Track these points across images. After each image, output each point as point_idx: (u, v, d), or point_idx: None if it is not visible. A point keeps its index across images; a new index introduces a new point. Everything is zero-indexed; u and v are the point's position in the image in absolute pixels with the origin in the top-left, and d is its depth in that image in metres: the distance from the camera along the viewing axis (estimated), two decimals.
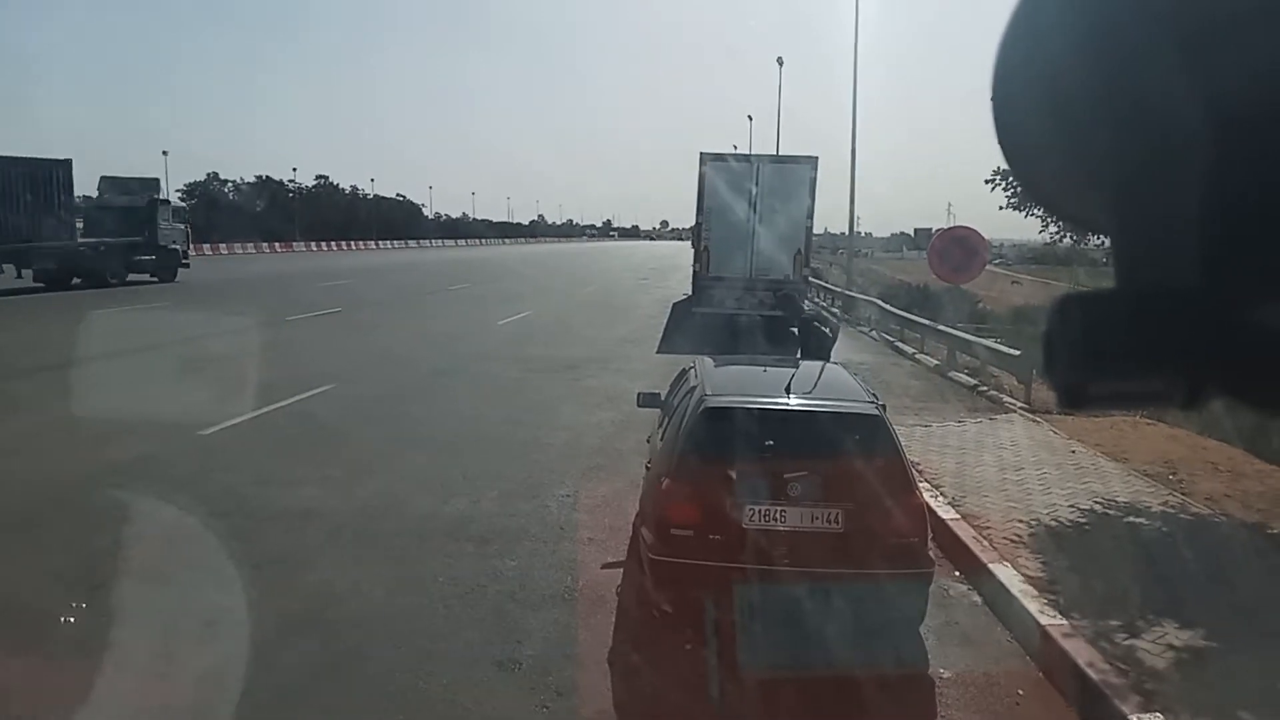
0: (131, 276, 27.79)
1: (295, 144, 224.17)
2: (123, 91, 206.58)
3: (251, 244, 61.35)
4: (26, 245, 24.84)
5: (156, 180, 34.09)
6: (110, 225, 27.67)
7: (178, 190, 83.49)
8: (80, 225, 28.13)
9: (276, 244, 65.12)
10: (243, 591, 5.12)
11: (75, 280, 25.82)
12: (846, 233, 33.75)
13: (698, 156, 18.33)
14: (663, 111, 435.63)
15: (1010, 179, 10.96)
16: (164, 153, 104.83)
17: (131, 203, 29.15)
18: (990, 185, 11.69)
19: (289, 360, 13.44)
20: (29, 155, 26.44)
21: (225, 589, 5.23)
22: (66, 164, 27.01)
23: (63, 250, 25.96)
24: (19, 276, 25.12)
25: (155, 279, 28.42)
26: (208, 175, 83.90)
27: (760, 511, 4.51)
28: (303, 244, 67.69)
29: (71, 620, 4.88)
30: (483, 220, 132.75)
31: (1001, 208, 11.45)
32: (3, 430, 8.88)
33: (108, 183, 30.93)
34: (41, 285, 25.16)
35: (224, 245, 59.14)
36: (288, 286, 28.67)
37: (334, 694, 4.23)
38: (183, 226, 31.32)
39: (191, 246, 33.02)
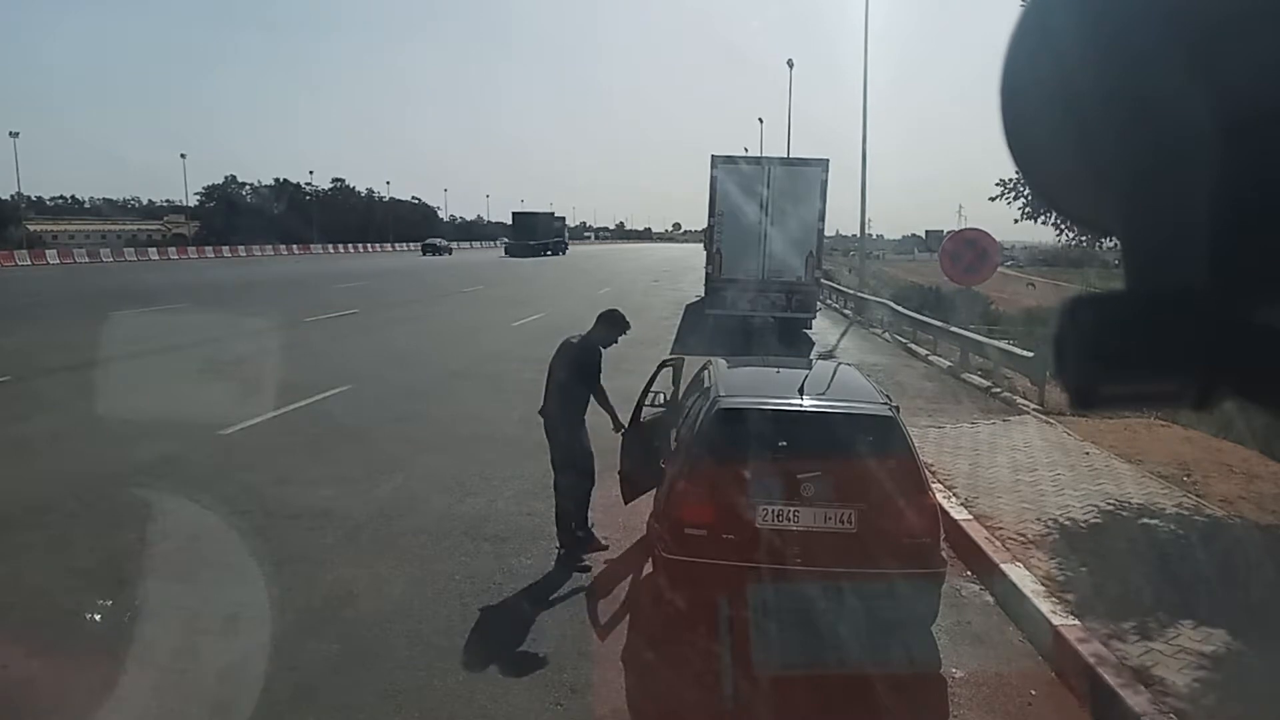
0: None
1: (311, 147, 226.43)
2: (142, 94, 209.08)
3: (270, 246, 61.77)
4: (546, 241, 66.52)
5: (564, 216, 77.81)
6: (543, 234, 66.57)
7: (196, 193, 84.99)
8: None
9: (295, 246, 65.55)
10: (263, 589, 5.20)
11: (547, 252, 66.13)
12: (858, 234, 33.73)
13: (709, 159, 18.37)
14: (675, 114, 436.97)
15: (1017, 189, 10.80)
16: (182, 155, 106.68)
17: (548, 222, 70.01)
18: (995, 199, 11.47)
19: (315, 360, 13.74)
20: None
21: (246, 587, 5.32)
22: (550, 215, 73.66)
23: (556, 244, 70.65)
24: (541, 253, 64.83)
25: (558, 254, 66.96)
26: (226, 178, 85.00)
27: (773, 511, 4.54)
28: (320, 246, 68.15)
29: (97, 617, 4.98)
30: (497, 222, 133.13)
31: (1017, 220, 11.22)
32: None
33: (549, 217, 73.07)
34: (517, 257, 61.29)
35: (243, 248, 59.55)
36: (311, 287, 29.82)
37: (351, 691, 4.30)
38: (567, 233, 76.97)
39: (569, 242, 78.18)
